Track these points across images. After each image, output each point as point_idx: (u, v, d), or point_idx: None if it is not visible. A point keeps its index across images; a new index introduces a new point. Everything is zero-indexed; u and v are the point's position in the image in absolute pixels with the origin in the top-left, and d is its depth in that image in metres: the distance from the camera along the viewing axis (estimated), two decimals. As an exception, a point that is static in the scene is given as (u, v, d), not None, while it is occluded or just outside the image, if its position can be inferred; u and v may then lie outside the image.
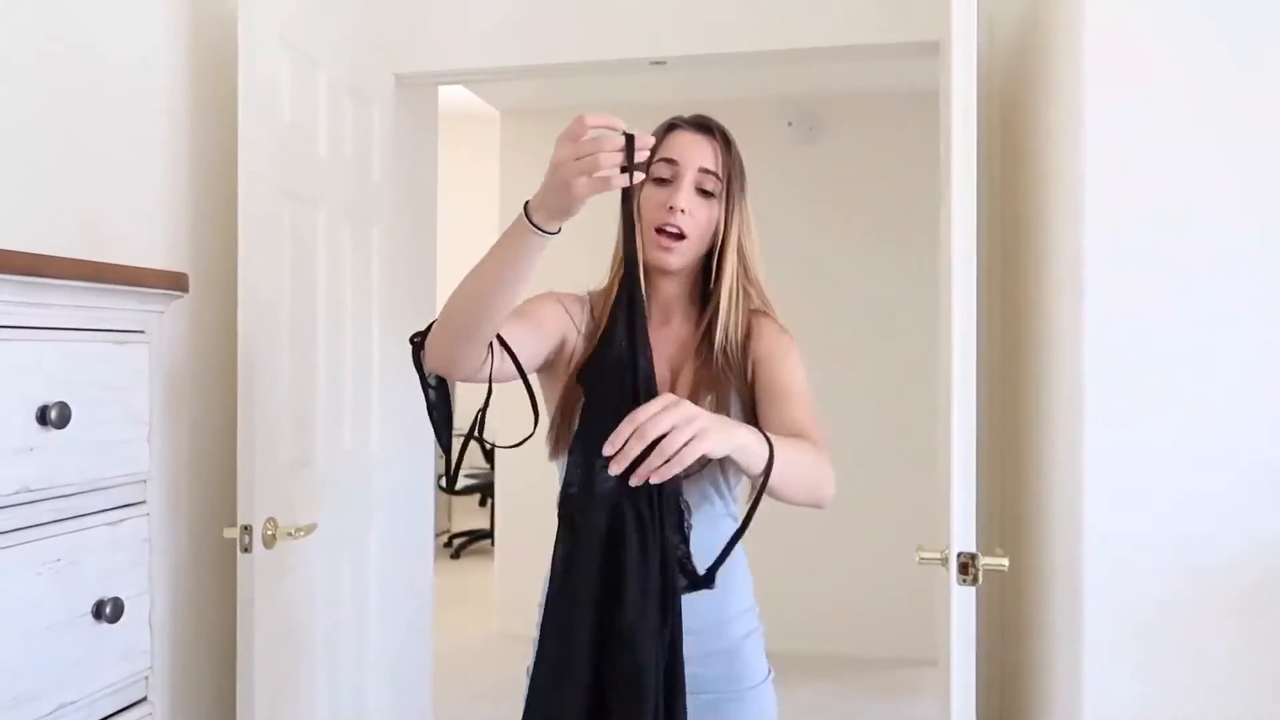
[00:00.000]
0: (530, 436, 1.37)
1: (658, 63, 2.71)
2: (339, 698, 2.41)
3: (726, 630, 1.43)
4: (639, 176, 1.08)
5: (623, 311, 1.17)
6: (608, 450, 1.01)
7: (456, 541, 6.66)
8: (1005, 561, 1.79)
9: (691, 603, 1.19)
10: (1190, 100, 1.83)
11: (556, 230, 1.13)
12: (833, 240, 4.52)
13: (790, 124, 4.58)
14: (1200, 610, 1.82)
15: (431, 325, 1.25)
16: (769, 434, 1.16)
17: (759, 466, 1.13)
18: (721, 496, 1.43)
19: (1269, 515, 1.80)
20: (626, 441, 1.00)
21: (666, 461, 1.00)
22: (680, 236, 1.39)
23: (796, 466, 1.18)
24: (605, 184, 1.05)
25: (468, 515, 7.09)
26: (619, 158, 1.05)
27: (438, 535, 6.40)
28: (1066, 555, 1.98)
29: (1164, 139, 1.84)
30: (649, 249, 1.39)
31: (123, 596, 1.35)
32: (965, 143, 1.78)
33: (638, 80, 4.12)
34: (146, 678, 1.42)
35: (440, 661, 3.70)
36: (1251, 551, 1.80)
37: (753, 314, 1.45)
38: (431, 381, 1.29)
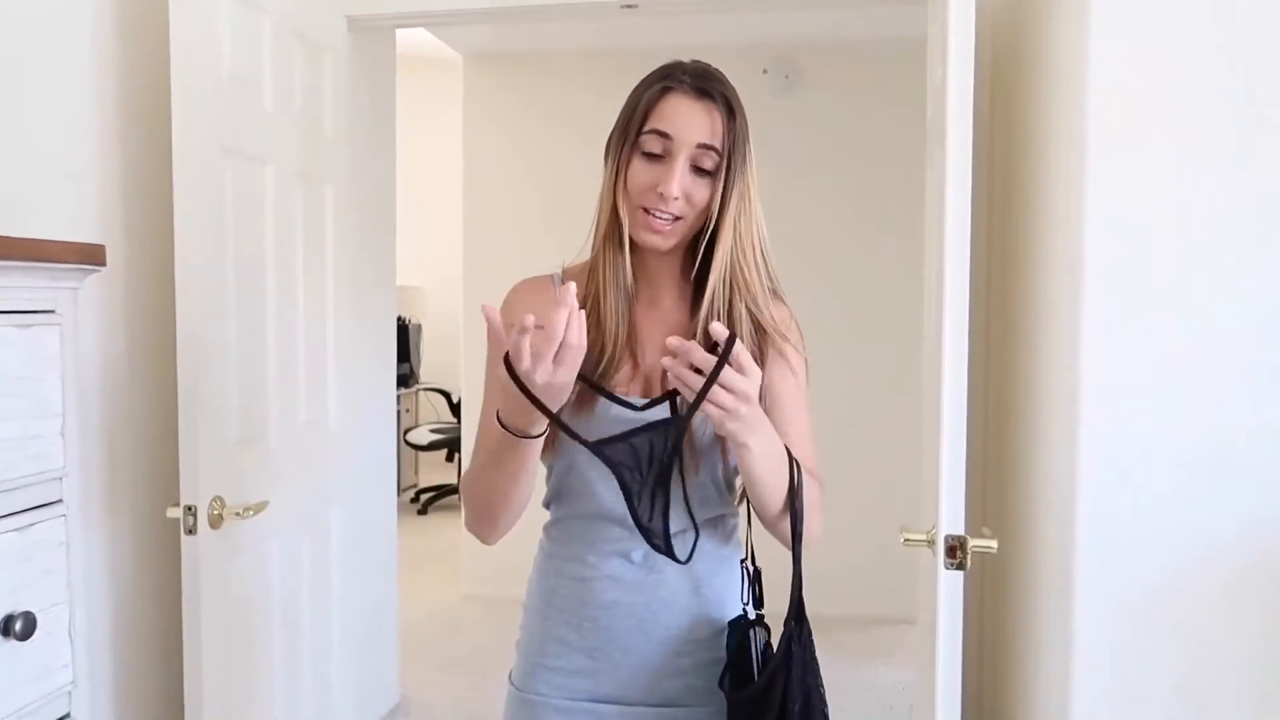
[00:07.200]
0: None
1: (629, 6, 2.56)
2: (299, 680, 2.31)
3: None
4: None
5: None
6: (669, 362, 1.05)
7: (424, 497, 6.55)
8: (994, 544, 1.71)
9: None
10: (1201, 48, 1.73)
11: (541, 433, 1.10)
12: (810, 199, 4.32)
13: (765, 71, 4.39)
14: (1191, 592, 1.79)
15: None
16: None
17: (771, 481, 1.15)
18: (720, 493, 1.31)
19: (1261, 498, 1.77)
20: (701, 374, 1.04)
21: (699, 398, 1.03)
22: (673, 218, 1.22)
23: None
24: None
25: (435, 470, 6.98)
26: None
27: (404, 491, 6.29)
28: (1057, 533, 1.93)
29: (1173, 101, 1.73)
30: (635, 227, 1.23)
31: (35, 610, 1.22)
32: (961, 106, 1.66)
33: (607, 25, 3.94)
34: (69, 693, 1.30)
35: (406, 630, 3.61)
36: (1243, 534, 1.78)
37: (765, 304, 1.28)
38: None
